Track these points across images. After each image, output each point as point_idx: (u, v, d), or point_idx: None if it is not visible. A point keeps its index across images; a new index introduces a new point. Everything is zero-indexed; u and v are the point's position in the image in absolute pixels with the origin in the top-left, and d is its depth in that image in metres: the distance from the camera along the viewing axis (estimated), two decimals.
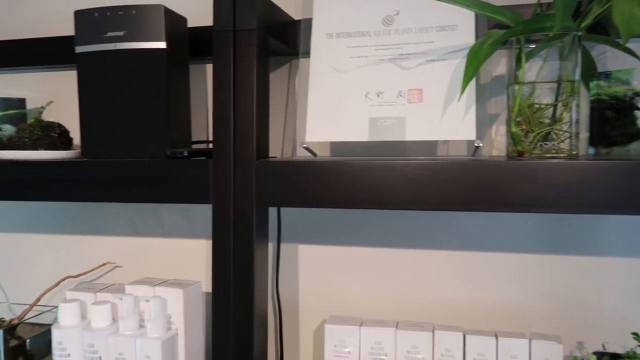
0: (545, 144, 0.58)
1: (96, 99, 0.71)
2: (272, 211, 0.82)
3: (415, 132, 0.62)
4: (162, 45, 0.68)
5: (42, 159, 0.71)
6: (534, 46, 0.58)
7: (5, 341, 0.78)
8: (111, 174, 0.65)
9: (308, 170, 0.58)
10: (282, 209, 0.83)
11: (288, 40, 0.73)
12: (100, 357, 0.71)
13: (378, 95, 0.64)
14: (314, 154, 0.68)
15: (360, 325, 0.72)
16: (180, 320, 0.72)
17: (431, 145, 0.70)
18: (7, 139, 0.75)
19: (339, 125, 0.64)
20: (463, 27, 0.63)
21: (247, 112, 0.61)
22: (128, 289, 0.73)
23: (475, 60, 0.55)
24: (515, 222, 0.75)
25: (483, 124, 0.73)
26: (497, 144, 0.74)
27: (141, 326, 0.71)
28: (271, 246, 0.83)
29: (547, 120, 0.58)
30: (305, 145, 0.66)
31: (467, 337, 0.68)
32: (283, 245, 0.83)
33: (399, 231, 0.79)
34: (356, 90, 0.64)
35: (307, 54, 0.68)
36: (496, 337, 0.67)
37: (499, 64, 0.72)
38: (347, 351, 0.72)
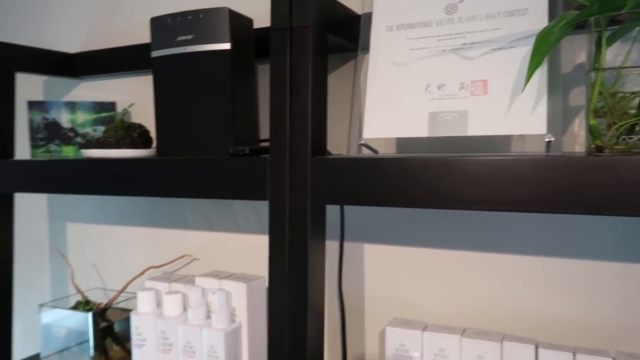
0: (629, 138, 0.51)
1: (169, 100, 0.75)
2: (336, 209, 0.81)
3: (478, 126, 0.57)
4: (226, 46, 0.70)
5: (124, 157, 0.77)
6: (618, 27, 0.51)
7: (96, 323, 0.86)
8: (180, 171, 0.69)
9: (361, 168, 0.57)
10: (348, 208, 0.82)
11: (352, 36, 0.72)
12: (171, 344, 0.75)
13: (439, 89, 0.60)
14: (374, 151, 0.66)
15: (424, 329, 0.69)
16: (244, 313, 0.74)
17: (502, 141, 0.65)
18: (97, 139, 0.82)
19: (397, 121, 0.62)
20: (534, 10, 0.57)
21: (303, 109, 0.61)
22: (197, 280, 0.77)
23: (543, 46, 0.50)
24: (602, 227, 0.67)
25: (564, 117, 0.66)
26: (581, 139, 0.66)
27: (208, 317, 0.74)
28: (335, 244, 0.83)
29: (632, 111, 0.51)
30: (361, 142, 0.64)
31: (540, 350, 0.62)
32: (348, 244, 0.82)
33: (470, 233, 0.74)
34: (416, 84, 0.62)
35: (367, 49, 0.67)
36: (574, 353, 0.60)
37: (583, 51, 0.65)
38: (409, 356, 0.70)
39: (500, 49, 0.58)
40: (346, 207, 0.82)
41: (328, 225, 0.83)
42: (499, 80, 0.57)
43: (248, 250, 0.91)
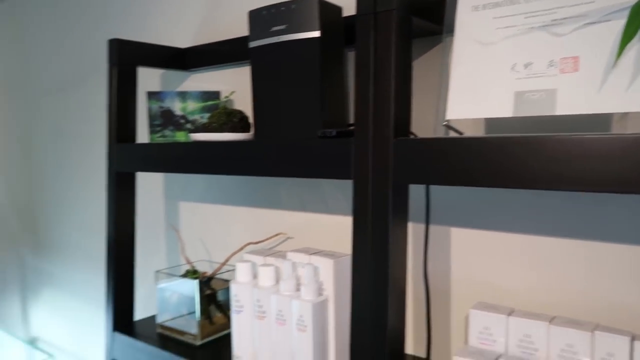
0: None
1: (265, 87, 0.81)
2: (423, 193, 0.82)
3: (567, 105, 0.55)
4: (316, 34, 0.74)
5: (225, 140, 0.85)
6: None
7: (201, 290, 0.95)
8: (273, 152, 0.74)
9: (442, 147, 0.58)
10: (435, 191, 0.82)
11: (437, 18, 0.72)
12: (264, 312, 0.81)
13: (526, 67, 0.59)
14: (458, 132, 0.66)
15: (509, 314, 0.68)
16: (331, 288, 0.78)
17: (595, 120, 0.62)
18: (203, 125, 0.91)
19: (481, 101, 0.62)
20: None
21: (386, 92, 0.63)
22: (289, 255, 0.83)
23: (638, 18, 0.47)
24: None
25: None
26: None
27: (298, 289, 0.80)
28: (422, 228, 0.84)
29: None
30: (445, 123, 0.65)
31: (637, 343, 0.59)
32: (434, 227, 0.83)
33: (564, 219, 0.71)
34: (502, 64, 0.61)
35: (453, 31, 0.66)
36: None
37: None
38: (493, 340, 0.69)
39: (594, 23, 0.55)
40: (433, 192, 0.83)
41: (414, 209, 0.84)
42: (591, 56, 0.55)
43: (338, 230, 0.96)
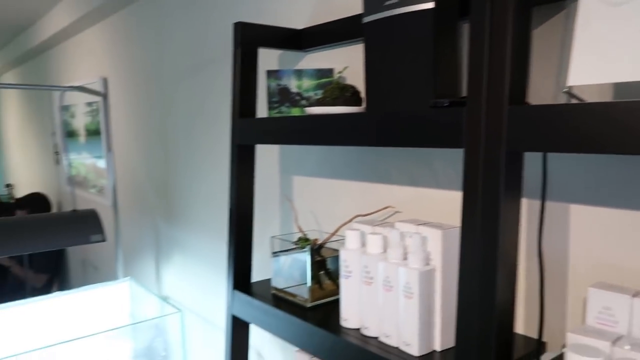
0: None
1: (377, 60, 0.83)
2: (539, 169, 0.79)
3: None
4: (430, 5, 0.74)
5: (337, 113, 0.88)
6: None
7: (312, 256, 1.01)
8: (385, 122, 0.77)
9: (558, 114, 0.56)
10: (553, 167, 0.79)
11: None
12: (372, 278, 0.85)
13: None
14: (579, 99, 0.63)
15: (634, 295, 0.64)
16: (438, 258, 0.79)
17: None
18: (317, 100, 0.96)
19: (609, 65, 0.58)
20: None
21: (501, 61, 0.62)
22: (397, 225, 0.85)
23: None
24: None
25: None
26: None
27: (405, 258, 0.82)
28: (536, 204, 0.81)
29: None
30: (566, 90, 0.62)
31: None
32: (551, 204, 0.79)
33: None
34: (631, 25, 0.56)
35: None
36: None
37: None
38: (615, 321, 0.66)
39: None
40: (550, 169, 0.79)
41: (531, 187, 0.81)
42: None
43: (447, 205, 0.95)
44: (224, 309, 1.68)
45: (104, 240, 1.68)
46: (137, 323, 1.81)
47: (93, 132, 2.67)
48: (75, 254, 3.35)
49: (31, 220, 1.48)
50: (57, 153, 3.23)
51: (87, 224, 1.64)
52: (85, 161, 2.83)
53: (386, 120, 0.76)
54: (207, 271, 1.78)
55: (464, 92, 0.84)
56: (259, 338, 1.51)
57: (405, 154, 1.03)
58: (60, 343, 1.58)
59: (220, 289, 1.70)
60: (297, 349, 1.18)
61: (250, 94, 1.12)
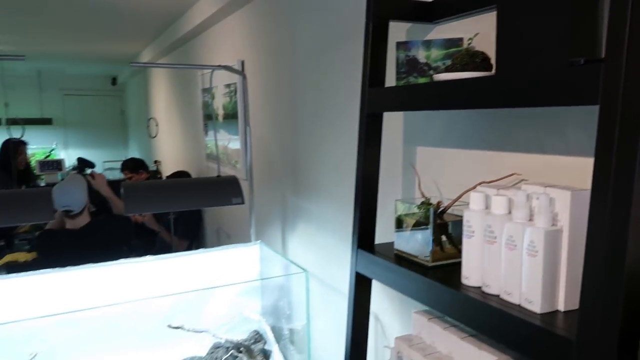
0: None
1: (510, 23, 0.84)
2: None
3: None
4: None
5: (465, 78, 0.91)
6: None
7: (434, 220, 1.06)
8: (517, 83, 0.78)
9: None
10: None
11: None
12: (495, 237, 0.87)
13: None
14: None
15: None
16: (566, 219, 0.79)
17: None
18: (446, 67, 1.00)
19: None
20: None
21: None
22: (523, 186, 0.86)
23: None
24: None
25: None
26: None
27: (531, 219, 0.83)
28: None
29: None
30: None
31: None
32: None
33: None
34: None
35: None
36: None
37: None
38: None
39: None
40: None
41: None
42: None
43: (576, 172, 0.93)
44: (344, 274, 1.79)
45: (242, 203, 1.88)
46: (266, 279, 1.99)
47: (230, 112, 2.94)
48: (211, 222, 3.72)
49: (184, 183, 1.70)
50: (206, 128, 3.59)
51: (228, 188, 1.84)
52: (222, 140, 3.13)
53: (518, 80, 0.77)
54: (329, 238, 1.90)
55: (602, 54, 0.83)
56: (376, 304, 1.59)
57: (533, 120, 1.02)
58: (195, 290, 1.81)
59: (341, 255, 1.81)
60: (414, 310, 1.24)
61: (380, 65, 1.18)
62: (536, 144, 1.02)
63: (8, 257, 3.22)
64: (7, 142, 4.14)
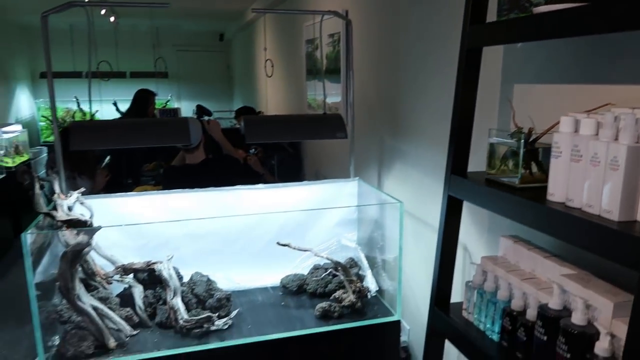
0: None
1: None
2: None
3: None
4: None
5: (570, 7, 0.97)
6: None
7: (525, 144, 1.15)
8: (614, 13, 0.84)
9: None
10: None
11: None
12: (581, 156, 0.96)
13: None
14: None
15: None
16: None
17: None
18: (546, 1, 1.06)
19: None
20: None
21: None
22: (612, 109, 0.93)
23: None
24: None
25: None
26: None
27: (616, 138, 0.91)
28: None
29: None
30: None
31: None
32: None
33: None
34: None
35: None
36: None
37: None
38: None
39: None
40: None
41: None
42: None
43: None
44: (437, 210, 1.92)
45: (345, 137, 2.06)
46: (364, 205, 2.17)
47: (332, 64, 3.10)
48: (310, 166, 3.98)
49: (295, 118, 1.90)
50: (310, 74, 3.79)
51: (333, 124, 2.03)
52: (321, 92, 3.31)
53: (617, 7, 0.83)
54: (424, 178, 2.03)
55: None
56: (464, 235, 1.71)
57: (635, 48, 1.05)
58: (302, 210, 2.04)
59: (435, 192, 1.93)
60: (501, 235, 1.35)
61: (481, 3, 1.26)
62: (633, 75, 1.06)
63: (137, 189, 3.73)
64: (139, 92, 4.67)
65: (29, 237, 1.49)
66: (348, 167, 2.32)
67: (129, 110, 4.95)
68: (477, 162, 1.53)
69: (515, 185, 1.16)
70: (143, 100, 4.61)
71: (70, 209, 1.72)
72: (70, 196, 1.78)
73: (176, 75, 8.41)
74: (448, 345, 1.48)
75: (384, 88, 2.39)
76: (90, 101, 2.13)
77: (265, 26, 4.99)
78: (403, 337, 2.22)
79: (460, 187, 1.31)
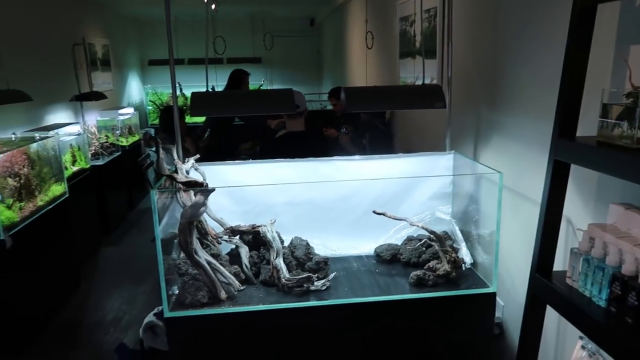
0: None
1: None
2: None
3: None
4: None
5: None
6: None
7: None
8: None
9: None
10: None
11: None
12: None
13: None
14: None
15: None
16: None
17: None
18: None
19: None
20: None
21: None
22: None
23: None
24: None
25: None
26: None
27: None
28: None
29: None
30: None
31: None
32: None
33: None
34: None
35: None
36: None
37: None
38: None
39: None
40: None
41: None
42: None
43: None
44: (537, 182, 1.87)
45: (444, 107, 2.06)
46: (460, 175, 2.17)
47: (427, 38, 3.08)
48: (401, 144, 3.99)
49: (395, 89, 1.93)
50: (404, 53, 3.80)
51: (433, 94, 2.04)
52: (410, 68, 3.29)
53: None
54: (525, 150, 1.98)
55: None
56: (568, 208, 1.66)
57: None
58: (398, 177, 2.09)
59: (537, 163, 1.88)
60: (611, 202, 1.31)
61: None
62: None
63: None
64: (235, 72, 4.94)
65: (156, 194, 1.68)
66: (443, 141, 2.31)
67: (225, 89, 5.25)
68: (584, 127, 1.48)
69: (631, 146, 1.12)
70: (238, 79, 4.90)
71: (187, 172, 1.91)
72: (188, 162, 1.96)
73: (269, 60, 8.71)
74: (547, 313, 1.47)
75: (482, 60, 2.34)
76: (207, 85, 2.33)
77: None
78: (497, 314, 2.20)
79: (569, 150, 1.28)
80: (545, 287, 1.39)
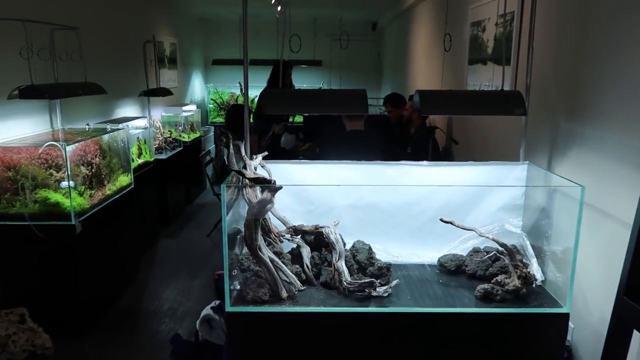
0: None
1: None
2: None
3: None
4: None
5: None
6: None
7: None
8: None
9: None
10: None
11: None
12: None
13: None
14: None
15: None
16: None
17: None
18: None
19: None
20: None
21: None
22: None
23: None
24: None
25: None
26: None
27: None
28: None
29: None
30: None
31: None
32: None
33: None
34: None
35: None
36: None
37: None
38: None
39: None
40: None
41: None
42: None
43: None
44: (623, 198, 1.74)
45: (524, 114, 1.96)
46: (538, 186, 2.06)
47: (499, 45, 2.96)
48: (463, 154, 3.87)
49: (472, 94, 1.87)
50: (474, 59, 3.70)
51: (511, 101, 1.95)
52: (480, 75, 3.18)
53: None
54: (608, 163, 1.85)
55: None
56: None
57: None
58: (467, 185, 2.01)
59: (623, 178, 1.75)
60: None
61: None
62: None
63: None
64: (277, 63, 5.06)
65: (225, 189, 1.69)
66: (518, 151, 2.21)
67: (268, 79, 5.53)
68: None
69: None
70: (277, 69, 5.15)
71: (255, 169, 1.91)
72: (255, 159, 1.97)
73: (329, 63, 8.73)
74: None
75: (563, 67, 2.22)
76: (281, 84, 2.33)
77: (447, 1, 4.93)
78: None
79: None
80: (633, 310, 1.28)
